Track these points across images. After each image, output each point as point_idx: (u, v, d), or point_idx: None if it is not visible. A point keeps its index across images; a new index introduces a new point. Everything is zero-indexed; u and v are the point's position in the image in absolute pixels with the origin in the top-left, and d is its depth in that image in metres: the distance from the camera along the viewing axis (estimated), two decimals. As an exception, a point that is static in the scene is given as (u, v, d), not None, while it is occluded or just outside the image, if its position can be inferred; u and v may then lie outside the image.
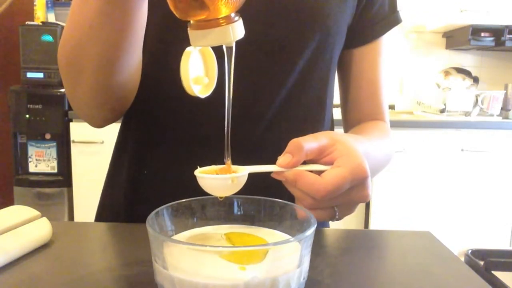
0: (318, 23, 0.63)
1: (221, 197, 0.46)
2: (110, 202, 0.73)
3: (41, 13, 2.54)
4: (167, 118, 0.65)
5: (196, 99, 0.45)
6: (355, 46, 0.72)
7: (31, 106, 2.30)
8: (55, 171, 2.37)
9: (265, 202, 0.47)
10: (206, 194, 0.47)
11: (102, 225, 0.66)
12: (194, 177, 0.45)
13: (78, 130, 2.31)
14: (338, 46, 0.69)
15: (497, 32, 2.49)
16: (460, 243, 2.29)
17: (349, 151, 0.46)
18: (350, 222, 2.42)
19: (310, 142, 0.46)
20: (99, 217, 0.74)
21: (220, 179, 0.44)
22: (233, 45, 0.41)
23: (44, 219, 0.54)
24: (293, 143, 0.46)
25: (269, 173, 0.47)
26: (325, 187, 0.44)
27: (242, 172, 0.45)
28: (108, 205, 0.73)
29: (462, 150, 2.29)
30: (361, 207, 2.40)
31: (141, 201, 0.68)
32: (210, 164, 0.47)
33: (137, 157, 0.69)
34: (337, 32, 0.67)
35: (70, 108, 2.32)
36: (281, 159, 0.46)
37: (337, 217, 0.48)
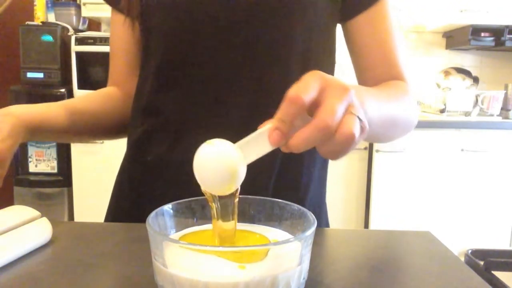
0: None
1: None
2: (118, 205, 0.74)
3: (41, 13, 2.54)
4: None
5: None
6: (357, 14, 0.70)
7: (31, 106, 2.29)
8: (55, 171, 2.37)
9: (265, 202, 0.47)
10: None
11: (102, 225, 0.66)
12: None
13: (78, 130, 2.31)
14: (323, 14, 0.68)
15: (497, 32, 2.49)
16: (460, 243, 2.29)
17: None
18: (350, 222, 2.42)
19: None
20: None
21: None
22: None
23: (44, 219, 0.54)
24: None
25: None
26: (292, 90, 0.38)
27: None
28: (116, 209, 0.74)
29: (462, 150, 2.29)
30: (361, 207, 2.40)
31: (143, 202, 0.68)
32: None
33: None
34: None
35: (70, 108, 2.32)
36: (273, 138, 0.39)
37: (360, 119, 0.40)
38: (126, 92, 0.76)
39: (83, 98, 0.75)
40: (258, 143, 0.40)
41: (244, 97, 0.64)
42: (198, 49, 0.65)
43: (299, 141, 0.38)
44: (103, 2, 0.75)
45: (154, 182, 0.68)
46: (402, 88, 0.68)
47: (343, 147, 0.39)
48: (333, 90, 0.39)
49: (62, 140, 0.60)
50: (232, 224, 0.42)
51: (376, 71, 0.71)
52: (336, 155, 0.41)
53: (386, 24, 0.70)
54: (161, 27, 0.66)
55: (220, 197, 0.41)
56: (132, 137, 0.72)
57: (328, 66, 0.71)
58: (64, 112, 0.68)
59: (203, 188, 0.41)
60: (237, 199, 0.42)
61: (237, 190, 0.41)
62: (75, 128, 0.69)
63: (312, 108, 0.39)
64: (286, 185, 0.68)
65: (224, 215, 0.42)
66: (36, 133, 0.63)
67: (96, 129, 0.74)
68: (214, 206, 0.42)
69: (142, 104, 0.70)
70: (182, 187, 0.65)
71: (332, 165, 2.68)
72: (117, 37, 0.76)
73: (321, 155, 0.42)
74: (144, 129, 0.69)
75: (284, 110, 0.38)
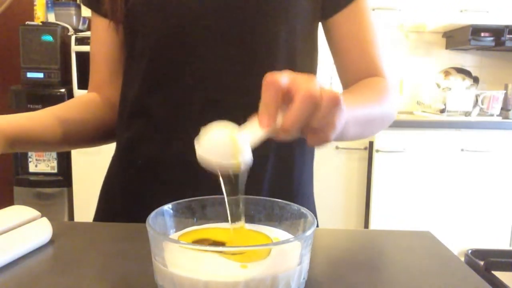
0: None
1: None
2: (107, 205, 0.74)
3: (41, 13, 2.54)
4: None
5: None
6: (336, 12, 0.71)
7: (31, 106, 2.30)
8: (55, 171, 2.37)
9: (265, 202, 0.47)
10: (207, 194, 0.47)
11: (102, 225, 0.66)
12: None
13: (78, 130, 2.31)
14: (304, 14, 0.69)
15: (497, 32, 2.49)
16: (460, 243, 2.29)
17: None
18: (350, 222, 2.42)
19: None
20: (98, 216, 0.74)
21: None
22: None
23: (44, 219, 0.54)
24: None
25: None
26: (266, 76, 0.41)
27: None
28: (106, 206, 0.74)
29: (462, 150, 2.29)
30: (361, 207, 2.40)
31: (135, 205, 0.68)
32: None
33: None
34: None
35: (70, 108, 2.32)
36: (262, 122, 0.42)
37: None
38: (107, 98, 0.75)
39: (63, 106, 0.73)
40: (252, 129, 0.42)
41: (235, 96, 0.64)
42: (185, 50, 0.65)
43: (290, 119, 0.40)
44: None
45: (147, 185, 0.68)
46: (379, 85, 0.71)
47: (331, 114, 0.41)
48: (303, 78, 0.42)
49: (46, 150, 0.58)
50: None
51: (356, 67, 0.73)
52: (327, 132, 0.42)
53: (365, 21, 0.72)
54: (148, 29, 0.66)
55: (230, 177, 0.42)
56: (121, 141, 0.72)
57: (312, 67, 0.73)
58: (44, 121, 0.66)
59: (210, 165, 0.41)
60: (243, 180, 0.43)
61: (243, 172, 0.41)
62: (57, 137, 0.67)
63: (288, 101, 0.41)
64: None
65: (231, 192, 0.43)
66: (18, 144, 0.60)
67: (78, 137, 0.72)
68: (223, 184, 0.42)
69: (129, 107, 0.69)
70: (175, 189, 0.65)
71: (332, 165, 2.65)
72: (99, 42, 0.75)
73: (311, 143, 0.43)
74: (133, 132, 0.69)
75: (264, 95, 0.41)
